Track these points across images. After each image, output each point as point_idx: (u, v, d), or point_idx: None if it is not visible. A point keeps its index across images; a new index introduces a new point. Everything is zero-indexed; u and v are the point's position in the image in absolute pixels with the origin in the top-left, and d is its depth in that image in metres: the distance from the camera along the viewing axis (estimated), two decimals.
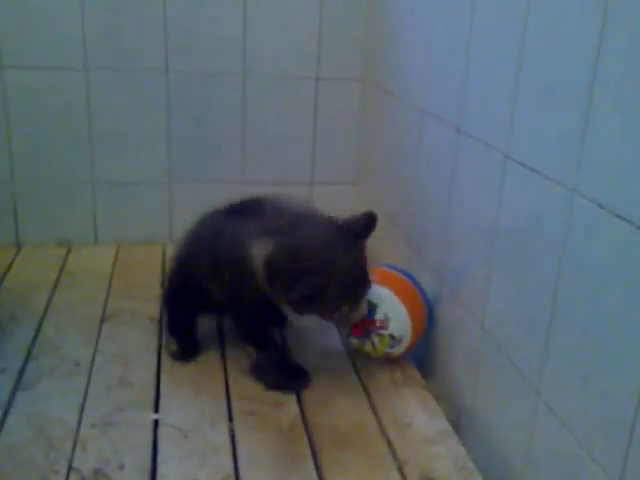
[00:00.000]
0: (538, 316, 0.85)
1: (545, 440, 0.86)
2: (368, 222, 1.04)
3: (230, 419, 1.02)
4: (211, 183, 1.63)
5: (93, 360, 1.15)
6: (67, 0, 1.47)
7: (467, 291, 1.08)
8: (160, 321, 1.28)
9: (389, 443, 0.99)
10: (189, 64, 1.57)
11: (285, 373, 1.12)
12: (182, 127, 1.60)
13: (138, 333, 1.25)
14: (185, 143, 1.62)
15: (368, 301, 1.11)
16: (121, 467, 0.91)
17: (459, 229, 1.11)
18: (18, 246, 1.60)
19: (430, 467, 0.94)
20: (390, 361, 1.18)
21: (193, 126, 1.61)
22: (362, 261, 1.03)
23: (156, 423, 1.00)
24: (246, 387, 1.10)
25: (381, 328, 1.12)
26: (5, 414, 1.00)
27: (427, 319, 1.18)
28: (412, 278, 1.19)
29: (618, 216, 0.70)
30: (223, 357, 1.19)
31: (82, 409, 1.02)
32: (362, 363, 1.18)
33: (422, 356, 1.23)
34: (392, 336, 1.13)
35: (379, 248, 1.47)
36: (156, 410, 1.04)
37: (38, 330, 1.24)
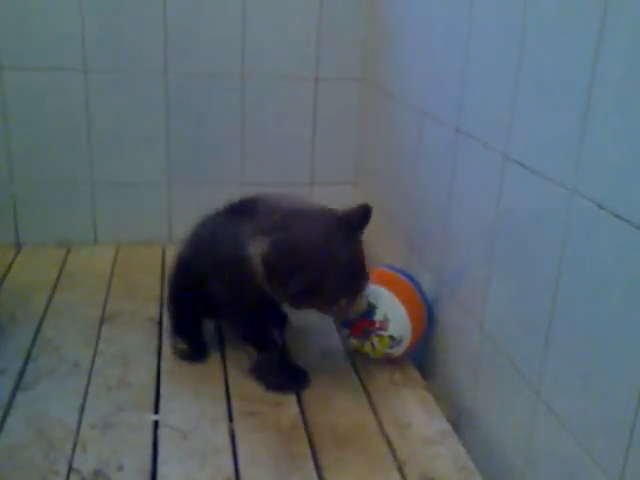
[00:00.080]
0: (538, 316, 0.85)
1: (545, 440, 0.86)
2: (363, 214, 1.03)
3: (230, 419, 1.02)
4: (210, 183, 1.63)
5: (93, 361, 1.15)
6: (66, 1, 1.47)
7: (467, 291, 1.08)
8: (160, 322, 1.28)
9: (389, 443, 0.99)
10: (188, 65, 1.57)
11: (285, 374, 1.12)
12: (181, 128, 1.60)
13: (138, 334, 1.25)
14: (184, 144, 1.62)
15: (368, 302, 1.11)
16: (121, 468, 0.91)
17: (458, 229, 1.11)
18: (18, 247, 1.60)
19: (430, 467, 0.94)
20: (390, 361, 1.18)
21: (192, 127, 1.61)
22: (359, 254, 1.03)
23: (156, 424, 1.00)
24: (246, 387, 1.10)
25: (381, 329, 1.12)
26: (5, 415, 1.00)
27: (427, 320, 1.18)
28: (412, 279, 1.19)
29: (617, 216, 0.70)
30: (223, 358, 1.19)
31: (82, 410, 1.02)
32: (362, 363, 1.18)
33: (422, 356, 1.23)
34: (392, 337, 1.13)
35: (378, 248, 1.47)
36: (156, 411, 1.04)
37: (38, 331, 1.24)
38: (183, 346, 1.18)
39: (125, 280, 1.47)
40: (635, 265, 0.68)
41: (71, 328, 1.26)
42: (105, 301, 1.37)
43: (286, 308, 1.25)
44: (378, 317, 1.12)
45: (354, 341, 1.16)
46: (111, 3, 1.50)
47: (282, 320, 1.27)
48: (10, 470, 0.90)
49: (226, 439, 0.98)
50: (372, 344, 1.14)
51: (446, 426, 1.03)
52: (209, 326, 1.25)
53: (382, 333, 1.12)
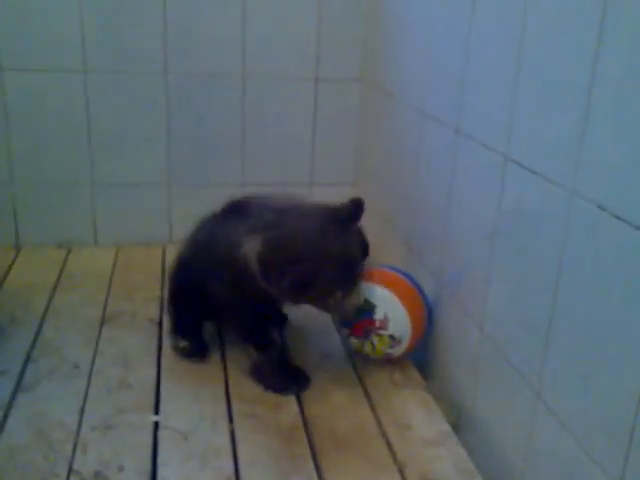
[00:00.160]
0: (537, 317, 0.85)
1: (545, 441, 0.86)
2: (355, 208, 1.04)
3: (230, 420, 1.02)
4: (210, 184, 1.63)
5: (93, 362, 1.15)
6: (66, 1, 1.47)
7: (467, 292, 1.08)
8: (160, 323, 1.28)
9: (389, 445, 0.99)
10: (188, 65, 1.57)
11: (285, 375, 1.12)
12: (181, 128, 1.60)
13: (138, 335, 1.25)
14: (184, 144, 1.62)
15: (367, 301, 1.11)
16: (121, 469, 0.91)
17: (458, 230, 1.11)
18: (18, 248, 1.60)
19: (430, 469, 0.94)
20: (390, 362, 1.18)
21: (192, 127, 1.61)
22: (352, 247, 1.03)
23: (156, 425, 1.00)
24: (246, 389, 1.10)
25: (380, 328, 1.12)
26: (5, 416, 1.00)
27: (427, 320, 1.18)
28: (412, 279, 1.19)
29: (617, 217, 0.70)
30: (223, 359, 1.19)
31: (82, 411, 1.02)
32: (362, 364, 1.18)
33: (422, 357, 1.23)
34: (392, 336, 1.13)
35: (378, 249, 1.47)
36: (156, 412, 1.04)
37: (38, 332, 1.24)
38: (185, 345, 1.18)
39: (125, 281, 1.47)
40: (635, 265, 0.68)
41: (71, 329, 1.25)
42: (105, 302, 1.37)
43: (285, 307, 1.25)
44: (378, 316, 1.12)
45: (354, 341, 1.16)
46: (111, 3, 1.50)
47: (282, 320, 1.27)
48: (10, 471, 0.90)
49: (226, 440, 0.98)
50: (372, 343, 1.14)
51: (446, 427, 1.03)
52: (209, 327, 1.25)
53: (382, 332, 1.12)
